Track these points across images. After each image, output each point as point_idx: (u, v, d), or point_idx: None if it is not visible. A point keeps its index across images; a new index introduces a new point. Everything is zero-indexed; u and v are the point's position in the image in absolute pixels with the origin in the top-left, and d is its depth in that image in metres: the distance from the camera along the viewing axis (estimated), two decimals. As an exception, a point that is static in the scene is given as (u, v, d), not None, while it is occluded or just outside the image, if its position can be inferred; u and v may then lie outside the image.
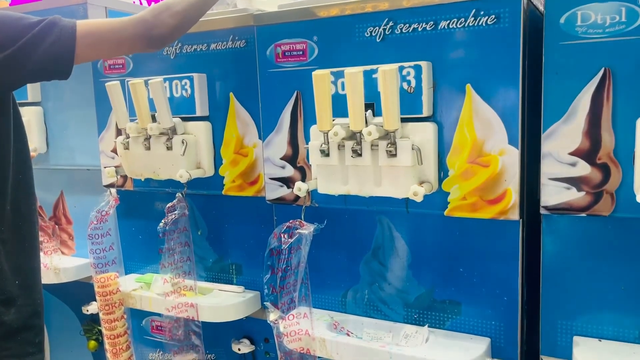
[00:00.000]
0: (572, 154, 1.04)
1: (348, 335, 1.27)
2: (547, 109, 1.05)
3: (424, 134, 1.11)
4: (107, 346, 1.54)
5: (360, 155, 1.13)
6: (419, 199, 1.07)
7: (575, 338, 1.11)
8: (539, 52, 1.04)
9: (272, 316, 1.22)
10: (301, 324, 1.22)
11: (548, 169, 1.07)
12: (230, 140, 1.43)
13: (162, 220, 1.40)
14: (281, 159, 1.33)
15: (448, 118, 1.12)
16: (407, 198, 1.11)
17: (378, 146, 1.11)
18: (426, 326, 1.24)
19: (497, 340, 1.19)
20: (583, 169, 1.04)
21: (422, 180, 1.13)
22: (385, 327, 1.27)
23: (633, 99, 0.98)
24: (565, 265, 1.11)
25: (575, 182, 1.05)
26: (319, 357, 1.24)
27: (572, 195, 1.05)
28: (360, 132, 1.10)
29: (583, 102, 1.02)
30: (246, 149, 1.42)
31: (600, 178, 1.03)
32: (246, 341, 1.54)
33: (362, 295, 1.34)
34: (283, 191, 1.34)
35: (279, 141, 1.32)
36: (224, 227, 1.54)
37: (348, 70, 1.06)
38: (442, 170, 1.14)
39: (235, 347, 1.53)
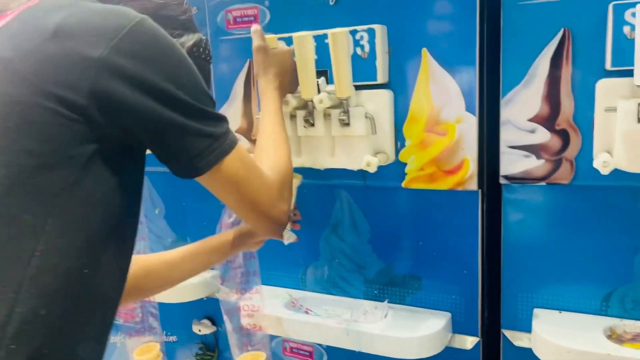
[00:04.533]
0: (531, 120, 1.00)
1: (307, 313, 1.23)
2: (505, 73, 1.00)
3: (379, 101, 1.06)
4: None
5: (312, 125, 1.07)
6: (372, 169, 1.03)
7: (536, 310, 1.08)
8: (499, 13, 0.99)
9: (224, 293, 1.17)
10: (253, 300, 1.18)
11: (507, 136, 1.02)
12: (184, 114, 1.36)
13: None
14: (236, 132, 1.27)
15: (404, 85, 1.07)
16: (365, 170, 1.07)
17: (331, 115, 1.05)
18: (386, 302, 1.20)
19: (458, 315, 1.15)
20: (542, 135, 1.00)
21: (378, 150, 1.08)
22: (345, 304, 1.24)
23: (593, 61, 0.94)
24: (526, 236, 1.08)
25: (535, 149, 1.01)
26: (274, 335, 1.21)
27: (532, 164, 1.02)
28: (311, 101, 1.04)
29: (542, 65, 0.97)
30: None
31: (560, 145, 0.99)
32: (207, 322, 1.50)
33: (322, 272, 1.29)
34: (238, 166, 1.28)
35: (233, 113, 1.26)
36: (182, 206, 1.48)
37: (296, 34, 1.00)
38: (399, 140, 1.10)
39: (195, 328, 1.49)
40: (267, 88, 1.01)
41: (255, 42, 1.02)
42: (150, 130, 0.66)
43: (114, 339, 1.64)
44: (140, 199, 0.77)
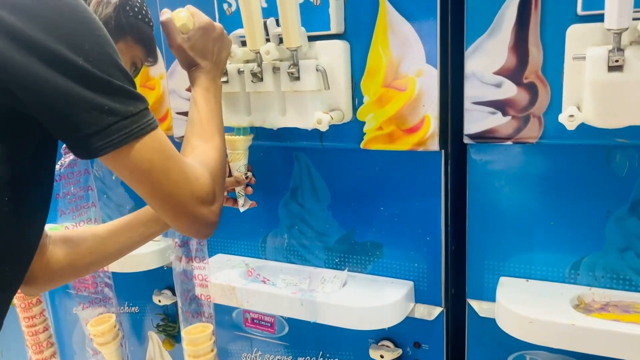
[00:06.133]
0: (497, 73, 0.91)
1: (264, 282, 1.16)
2: (470, 20, 0.91)
3: (333, 53, 0.97)
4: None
5: (261, 79, 0.98)
6: (323, 127, 0.94)
7: (502, 279, 1.01)
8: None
9: (176, 259, 1.11)
10: (206, 270, 1.11)
11: (472, 91, 0.94)
12: (135, 72, 1.27)
13: (59, 162, 1.25)
14: (187, 90, 1.18)
15: (361, 35, 0.98)
16: (321, 130, 0.98)
17: (280, 69, 0.96)
18: (345, 270, 1.14)
19: (421, 284, 1.09)
20: (509, 90, 0.91)
21: (333, 107, 1.00)
22: (304, 273, 1.17)
23: (564, 5, 0.84)
24: (493, 200, 1.00)
25: (501, 105, 0.92)
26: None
27: (498, 121, 0.93)
28: (259, 53, 0.95)
29: (510, 11, 0.88)
30: (152, 80, 1.26)
31: (528, 100, 0.90)
32: (168, 292, 1.44)
33: (281, 240, 1.23)
34: (191, 127, 1.20)
35: (186, 77, 1.17)
36: (139, 171, 1.40)
37: (239, -22, 0.90)
38: (357, 97, 1.01)
39: (155, 299, 1.43)
40: (196, 77, 0.89)
41: (170, 42, 0.87)
42: (34, 95, 0.57)
43: (75, 309, 1.58)
44: (48, 174, 0.69)
